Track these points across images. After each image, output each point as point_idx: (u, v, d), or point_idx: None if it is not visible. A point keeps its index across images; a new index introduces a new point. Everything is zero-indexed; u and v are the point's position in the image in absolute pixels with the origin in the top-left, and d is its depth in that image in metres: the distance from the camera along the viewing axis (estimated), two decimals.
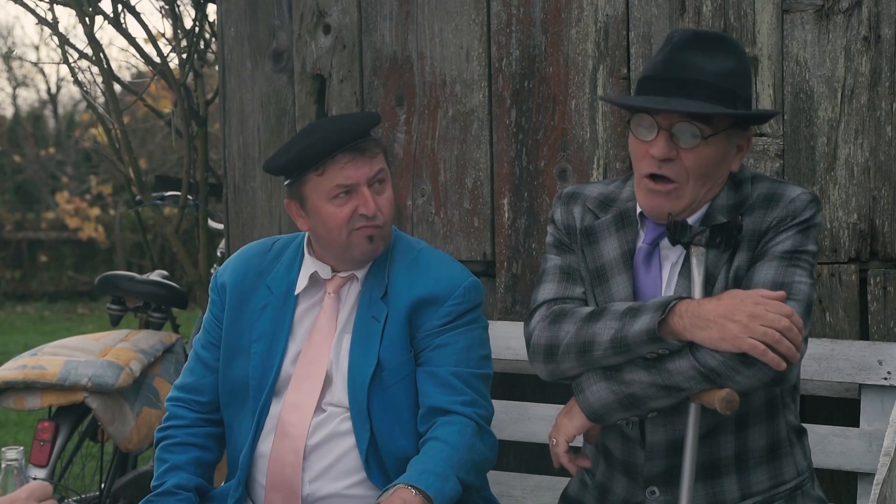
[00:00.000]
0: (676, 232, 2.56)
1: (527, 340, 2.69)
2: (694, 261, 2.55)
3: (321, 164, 2.76)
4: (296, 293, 2.88)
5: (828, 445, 2.93)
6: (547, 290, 2.71)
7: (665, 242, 2.63)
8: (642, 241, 2.65)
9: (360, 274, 2.86)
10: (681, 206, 2.57)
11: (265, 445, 2.84)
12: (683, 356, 2.48)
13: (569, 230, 2.75)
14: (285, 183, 2.85)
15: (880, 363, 2.93)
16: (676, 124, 2.51)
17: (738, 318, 2.40)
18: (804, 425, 2.76)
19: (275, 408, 2.85)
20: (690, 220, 2.59)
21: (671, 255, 2.64)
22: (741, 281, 2.56)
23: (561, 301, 2.68)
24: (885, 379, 2.92)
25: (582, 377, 2.59)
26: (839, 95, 3.22)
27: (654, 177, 2.55)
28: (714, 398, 2.45)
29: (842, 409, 3.20)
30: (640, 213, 2.66)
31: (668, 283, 2.63)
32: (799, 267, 2.52)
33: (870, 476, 2.88)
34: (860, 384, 2.96)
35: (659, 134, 2.52)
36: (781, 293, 2.45)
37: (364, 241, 2.79)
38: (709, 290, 2.55)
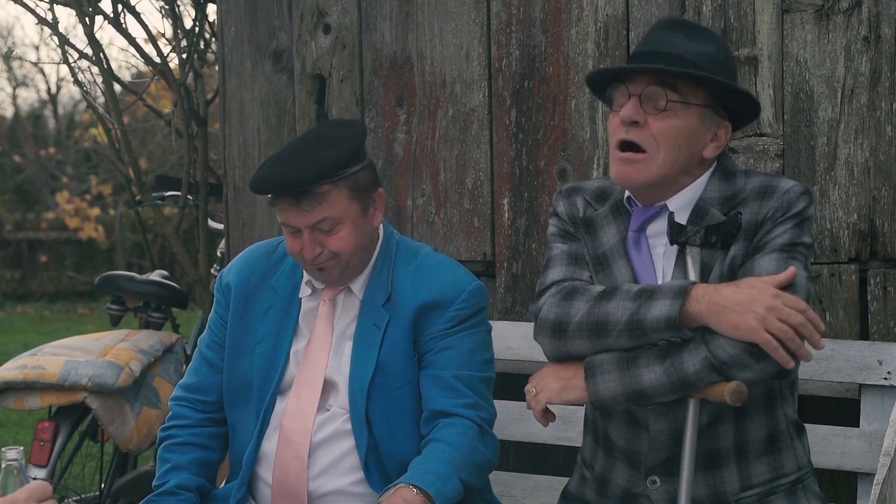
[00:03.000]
0: (674, 232, 2.58)
1: (534, 316, 2.69)
2: (689, 260, 2.58)
3: (271, 200, 2.77)
4: (300, 297, 2.90)
5: (828, 445, 2.94)
6: (556, 273, 2.73)
7: (651, 229, 2.66)
8: (629, 229, 2.67)
9: (355, 286, 2.87)
10: (647, 177, 2.59)
11: (269, 445, 2.85)
12: (698, 345, 2.49)
13: (573, 220, 2.78)
14: None
15: (880, 363, 2.93)
16: (647, 89, 2.56)
17: (756, 309, 2.42)
18: (804, 424, 2.77)
19: (279, 406, 2.86)
20: (674, 207, 2.62)
21: (658, 244, 2.67)
22: (737, 271, 2.58)
23: (570, 281, 2.70)
24: (885, 379, 2.92)
25: (596, 362, 2.59)
26: (839, 95, 3.22)
27: (623, 146, 2.59)
28: (724, 390, 2.46)
29: (842, 409, 3.20)
30: (628, 198, 2.70)
31: (662, 269, 2.66)
32: (797, 260, 2.55)
33: (870, 476, 2.88)
34: (860, 384, 2.96)
35: (630, 100, 2.58)
36: (791, 270, 2.48)
37: (314, 271, 2.82)
38: (703, 281, 2.57)
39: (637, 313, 2.51)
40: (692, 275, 2.57)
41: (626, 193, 2.69)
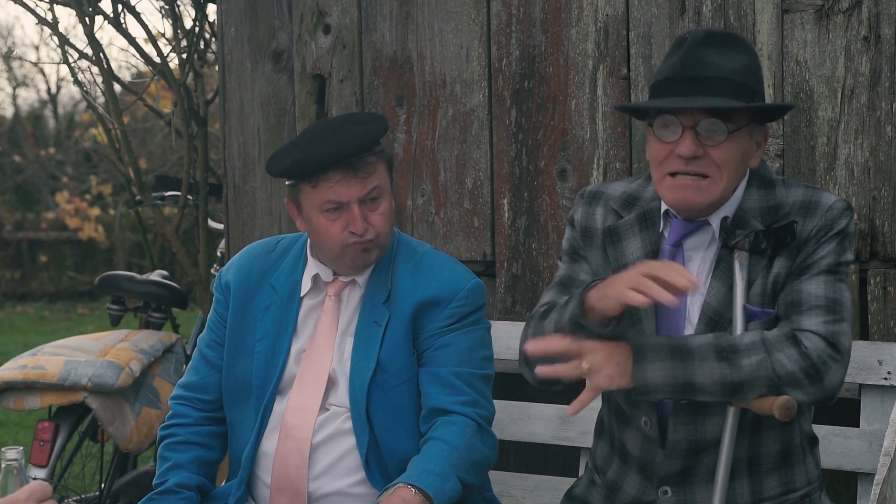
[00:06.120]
0: (727, 235, 2.56)
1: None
2: (737, 265, 2.55)
3: (314, 178, 2.75)
4: (301, 295, 2.89)
5: (828, 445, 2.93)
6: (544, 298, 2.73)
7: (689, 243, 2.63)
8: (666, 243, 2.64)
9: (361, 279, 2.87)
10: (710, 200, 2.56)
11: (269, 444, 2.85)
12: (759, 353, 2.46)
13: (586, 231, 2.74)
14: (286, 183, 2.85)
15: (880, 363, 2.93)
16: (701, 122, 2.51)
17: (625, 276, 2.42)
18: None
19: (278, 406, 2.86)
20: (715, 222, 2.60)
21: (695, 257, 2.63)
22: (779, 288, 2.56)
23: (549, 306, 2.68)
24: (885, 379, 2.92)
25: (648, 346, 2.52)
26: (839, 95, 3.22)
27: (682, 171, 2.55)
28: (773, 404, 2.44)
29: (842, 409, 3.20)
30: (665, 212, 2.65)
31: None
32: (843, 281, 2.56)
33: (870, 476, 2.88)
34: (860, 384, 2.95)
35: (684, 133, 2.51)
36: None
37: (357, 252, 2.80)
38: (747, 292, 2.55)
39: (559, 321, 2.55)
40: (739, 280, 2.54)
41: (664, 207, 2.65)
